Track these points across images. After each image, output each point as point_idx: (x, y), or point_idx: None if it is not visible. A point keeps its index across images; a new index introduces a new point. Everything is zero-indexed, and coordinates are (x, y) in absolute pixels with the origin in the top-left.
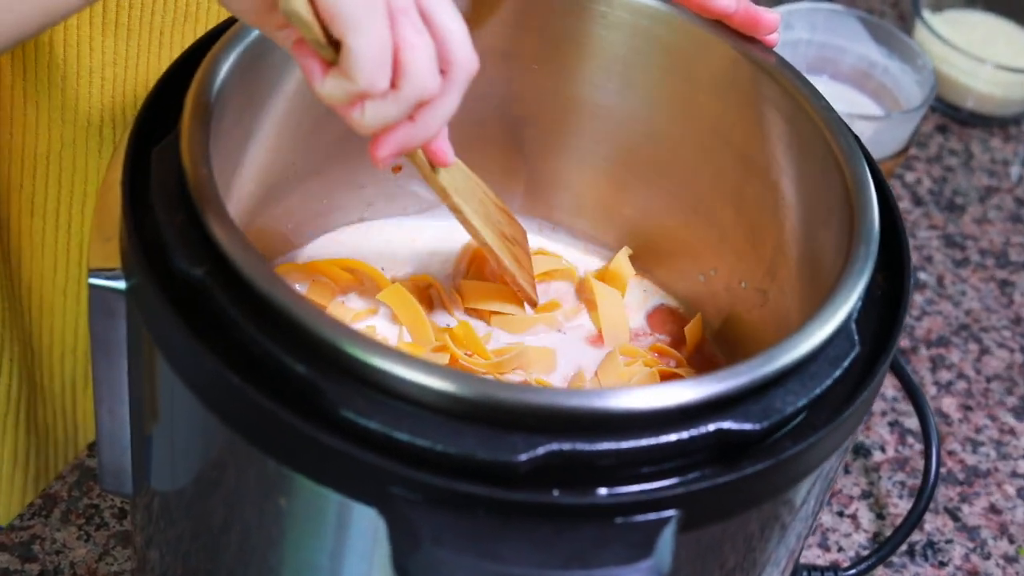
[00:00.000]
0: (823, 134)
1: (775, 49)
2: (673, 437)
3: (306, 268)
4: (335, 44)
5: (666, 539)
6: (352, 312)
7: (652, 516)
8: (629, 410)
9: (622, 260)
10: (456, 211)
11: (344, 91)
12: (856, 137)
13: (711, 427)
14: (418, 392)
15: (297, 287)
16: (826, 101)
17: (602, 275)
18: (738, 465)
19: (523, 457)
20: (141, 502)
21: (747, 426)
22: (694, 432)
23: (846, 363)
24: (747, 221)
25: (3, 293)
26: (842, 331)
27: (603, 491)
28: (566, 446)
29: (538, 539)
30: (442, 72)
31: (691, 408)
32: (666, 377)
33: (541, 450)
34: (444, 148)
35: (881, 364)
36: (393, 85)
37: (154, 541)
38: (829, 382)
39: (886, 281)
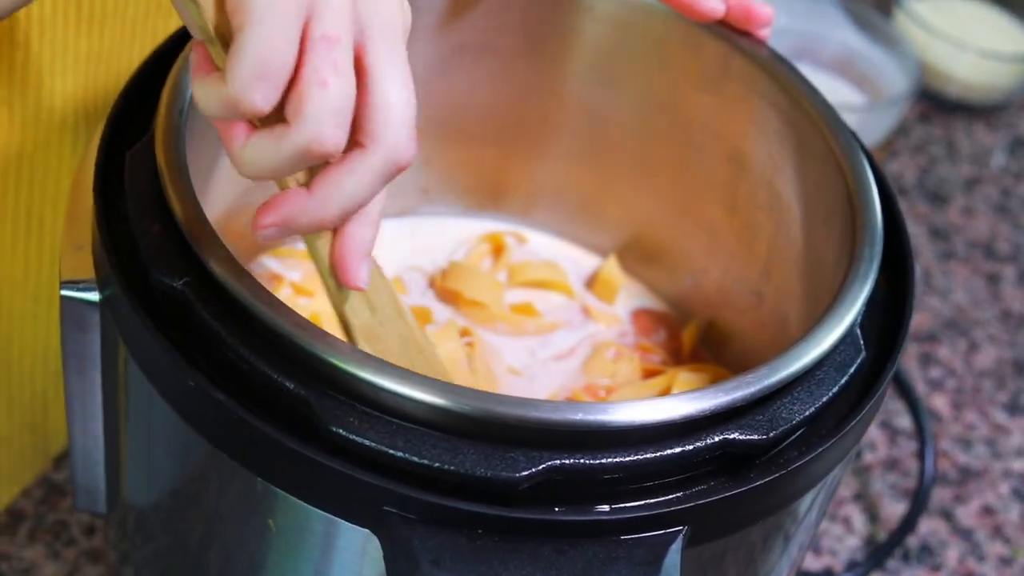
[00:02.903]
0: (821, 130)
1: None
2: (677, 449)
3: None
4: (227, 43)
5: (673, 555)
6: None
7: (658, 532)
8: (632, 423)
9: (612, 267)
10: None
11: (215, 94)
12: (853, 133)
13: (716, 438)
14: (414, 408)
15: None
16: (822, 95)
17: (592, 282)
18: (745, 477)
19: (524, 473)
20: (115, 518)
21: (754, 437)
22: (699, 444)
23: (852, 369)
24: (740, 220)
25: None
26: (848, 337)
27: (606, 507)
28: (568, 461)
29: (540, 558)
30: (359, 143)
31: (696, 420)
32: (651, 374)
33: (542, 466)
34: (351, 259)
35: (887, 369)
36: (285, 119)
37: (130, 558)
38: (836, 390)
39: (887, 283)
